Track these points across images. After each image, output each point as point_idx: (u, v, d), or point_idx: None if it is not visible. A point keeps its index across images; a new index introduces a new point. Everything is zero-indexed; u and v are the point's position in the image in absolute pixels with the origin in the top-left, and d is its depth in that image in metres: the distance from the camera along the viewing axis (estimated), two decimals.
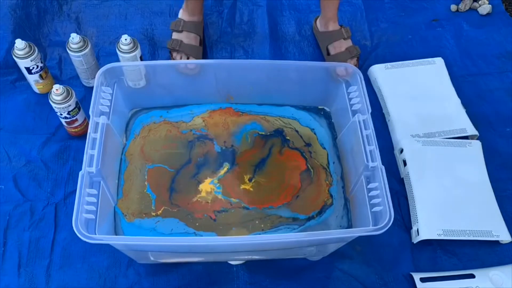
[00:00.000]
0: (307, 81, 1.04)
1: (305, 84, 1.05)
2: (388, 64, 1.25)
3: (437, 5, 1.49)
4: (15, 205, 1.02)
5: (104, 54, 1.31)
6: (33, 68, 1.11)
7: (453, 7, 1.48)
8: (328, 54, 1.28)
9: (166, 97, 1.07)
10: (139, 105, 1.08)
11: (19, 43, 1.07)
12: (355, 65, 1.23)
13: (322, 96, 1.08)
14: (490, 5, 1.47)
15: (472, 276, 0.96)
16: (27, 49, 1.08)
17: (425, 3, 1.50)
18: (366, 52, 1.36)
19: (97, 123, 0.86)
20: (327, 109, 1.10)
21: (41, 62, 1.13)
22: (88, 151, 0.82)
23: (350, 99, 0.97)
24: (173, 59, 1.05)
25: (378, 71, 1.26)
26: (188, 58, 1.13)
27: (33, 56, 1.09)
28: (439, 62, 1.28)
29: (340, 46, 1.25)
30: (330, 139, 1.06)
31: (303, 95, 1.08)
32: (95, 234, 0.78)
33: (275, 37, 1.38)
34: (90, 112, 0.87)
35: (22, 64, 1.10)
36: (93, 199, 0.80)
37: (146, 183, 0.96)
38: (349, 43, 1.26)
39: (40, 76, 1.15)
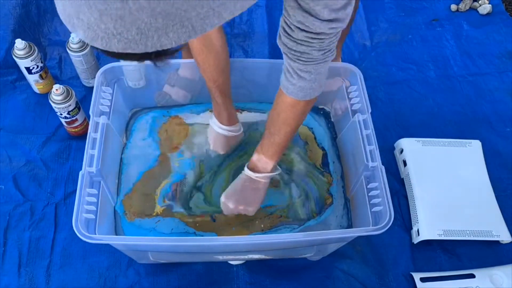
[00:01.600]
0: None
1: None
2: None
3: (437, 5, 1.49)
4: (15, 205, 1.02)
5: None
6: (33, 68, 1.11)
7: (453, 7, 1.48)
8: None
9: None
10: (139, 105, 1.08)
11: (19, 43, 1.07)
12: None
13: (321, 95, 1.07)
14: (490, 5, 1.47)
15: (472, 276, 0.96)
16: (27, 49, 1.08)
17: (425, 3, 1.50)
18: (366, 52, 1.36)
19: (97, 123, 0.86)
20: (327, 109, 1.10)
21: (41, 62, 1.13)
22: (88, 151, 0.82)
23: (350, 99, 0.97)
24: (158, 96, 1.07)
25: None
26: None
27: (33, 56, 1.09)
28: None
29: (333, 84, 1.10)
30: (330, 138, 1.06)
31: None
32: (95, 234, 0.78)
33: (274, 37, 1.37)
34: (90, 112, 0.87)
35: (22, 64, 1.10)
36: (93, 199, 0.80)
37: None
38: (346, 83, 1.09)
39: (40, 76, 1.15)
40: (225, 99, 0.93)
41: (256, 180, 0.87)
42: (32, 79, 1.15)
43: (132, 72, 0.99)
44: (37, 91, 1.20)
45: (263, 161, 0.85)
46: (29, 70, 1.12)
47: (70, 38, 1.10)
